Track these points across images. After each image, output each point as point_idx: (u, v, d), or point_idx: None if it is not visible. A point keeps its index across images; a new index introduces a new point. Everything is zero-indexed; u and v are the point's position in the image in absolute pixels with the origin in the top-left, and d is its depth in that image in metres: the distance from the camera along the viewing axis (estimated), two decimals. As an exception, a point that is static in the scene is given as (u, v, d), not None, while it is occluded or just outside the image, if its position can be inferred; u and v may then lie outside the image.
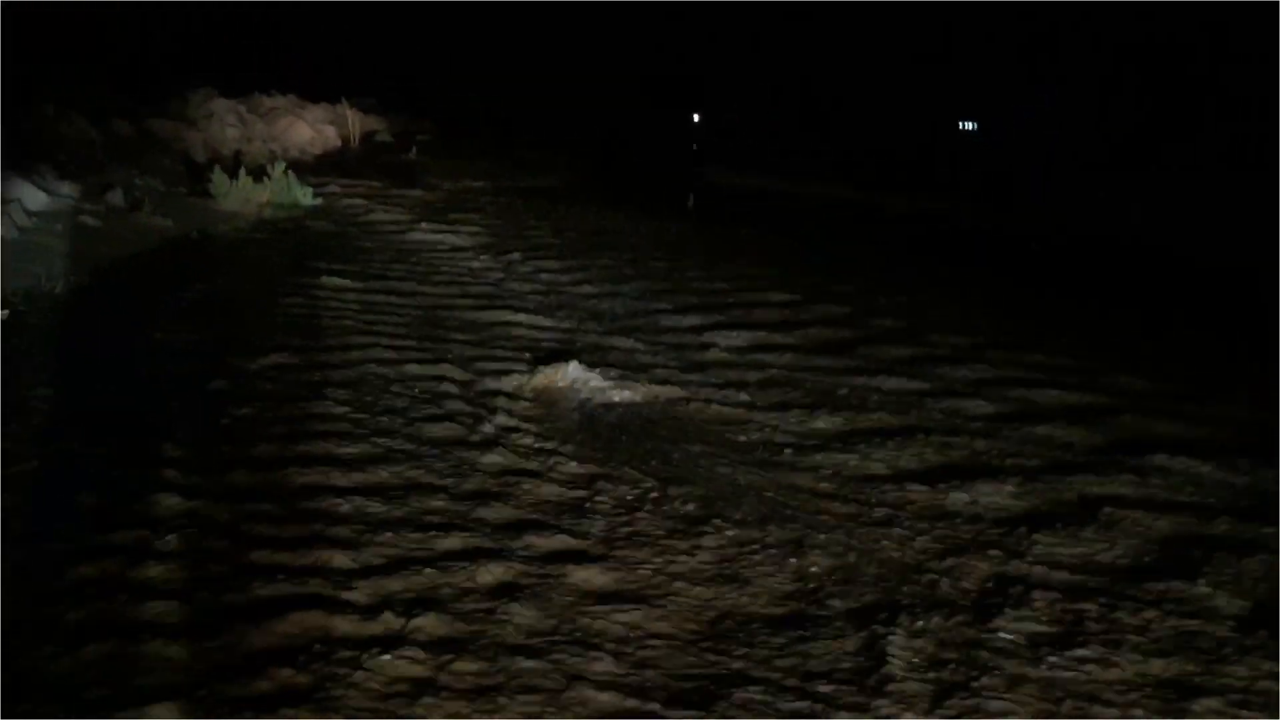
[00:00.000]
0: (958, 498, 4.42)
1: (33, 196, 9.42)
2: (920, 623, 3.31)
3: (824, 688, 2.95)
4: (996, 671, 3.06)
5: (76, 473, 4.12)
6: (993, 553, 3.89)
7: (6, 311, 6.37)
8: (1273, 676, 3.09)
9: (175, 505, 3.85)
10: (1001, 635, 3.27)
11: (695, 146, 30.32)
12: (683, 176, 21.35)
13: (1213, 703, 2.96)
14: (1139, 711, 2.91)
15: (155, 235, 9.82)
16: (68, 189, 10.13)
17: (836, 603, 3.45)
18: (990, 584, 3.64)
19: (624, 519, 4.05)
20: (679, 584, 3.53)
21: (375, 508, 3.98)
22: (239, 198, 12.21)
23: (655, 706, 2.81)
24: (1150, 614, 3.43)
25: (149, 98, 19.52)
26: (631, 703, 2.82)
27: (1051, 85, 27.56)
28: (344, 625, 3.09)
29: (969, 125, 32.65)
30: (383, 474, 4.33)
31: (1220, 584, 3.67)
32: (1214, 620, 3.42)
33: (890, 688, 2.94)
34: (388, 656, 2.92)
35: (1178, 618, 3.42)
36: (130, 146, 14.71)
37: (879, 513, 4.25)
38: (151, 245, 9.43)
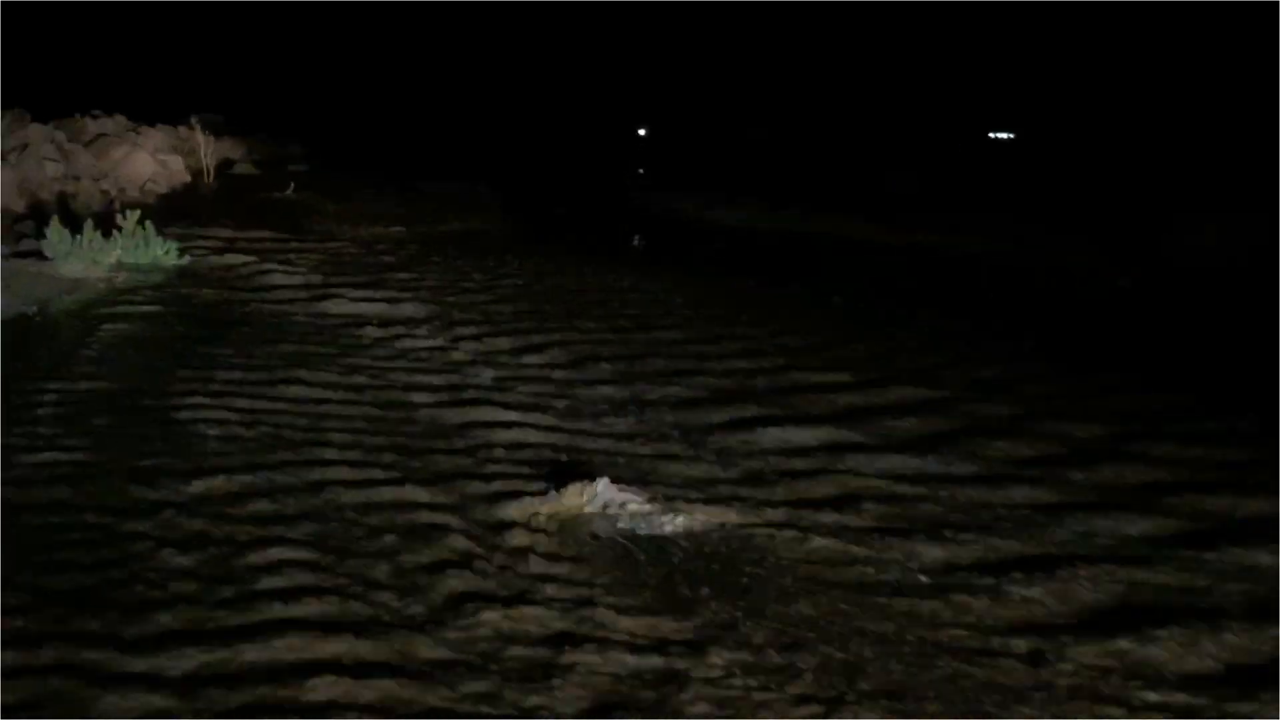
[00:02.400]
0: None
1: None
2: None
3: None
4: None
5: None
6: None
7: None
8: None
9: None
10: None
11: (641, 171, 30.65)
12: (639, 211, 21.52)
13: None
14: None
15: (-20, 315, 9.59)
16: None
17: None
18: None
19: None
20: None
21: None
22: (83, 259, 12.03)
23: None
24: None
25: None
26: None
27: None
28: None
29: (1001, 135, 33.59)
30: (370, 651, 4.18)
31: None
32: None
33: None
34: None
35: None
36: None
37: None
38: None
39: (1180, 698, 4.09)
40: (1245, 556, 5.40)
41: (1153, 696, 4.09)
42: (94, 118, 23.75)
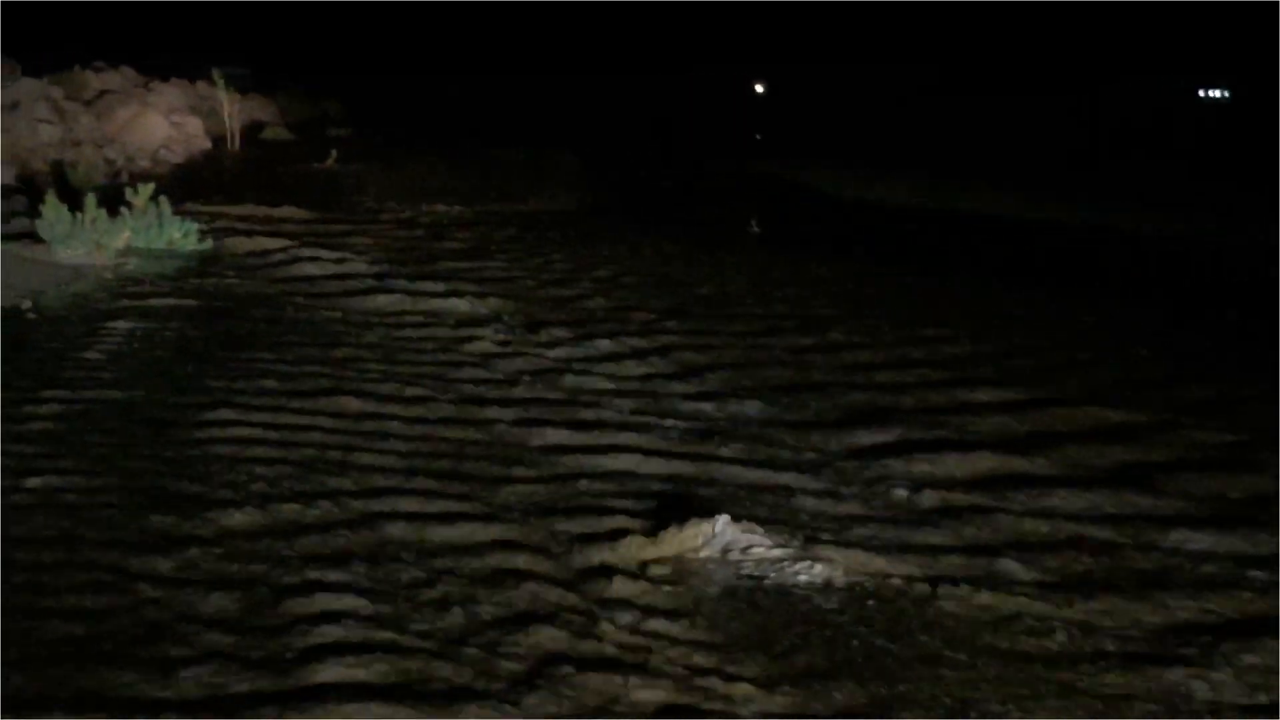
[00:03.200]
0: None
1: None
2: None
3: None
4: None
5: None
6: None
7: None
8: None
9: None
10: None
11: (759, 136, 30.54)
12: (759, 185, 21.42)
13: None
14: None
15: (-35, 309, 9.77)
16: None
17: None
18: None
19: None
20: None
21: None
22: (86, 243, 12.17)
23: None
24: None
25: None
26: None
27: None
28: None
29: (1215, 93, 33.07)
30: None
31: None
32: None
33: None
34: None
35: None
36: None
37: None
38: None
39: None
40: None
41: None
42: (97, 71, 24.15)
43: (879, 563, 5.68)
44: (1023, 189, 20.57)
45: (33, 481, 6.26)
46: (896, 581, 5.52)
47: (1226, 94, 33.04)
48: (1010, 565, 5.74)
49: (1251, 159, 23.90)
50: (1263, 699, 4.63)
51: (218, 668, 4.49)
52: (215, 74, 24.53)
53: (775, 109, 34.14)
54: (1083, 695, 4.62)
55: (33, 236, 12.33)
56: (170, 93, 24.32)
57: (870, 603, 5.33)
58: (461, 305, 10.86)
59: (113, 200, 12.84)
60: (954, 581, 5.52)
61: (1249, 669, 4.84)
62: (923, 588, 5.46)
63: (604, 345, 9.60)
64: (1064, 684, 4.70)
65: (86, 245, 12.15)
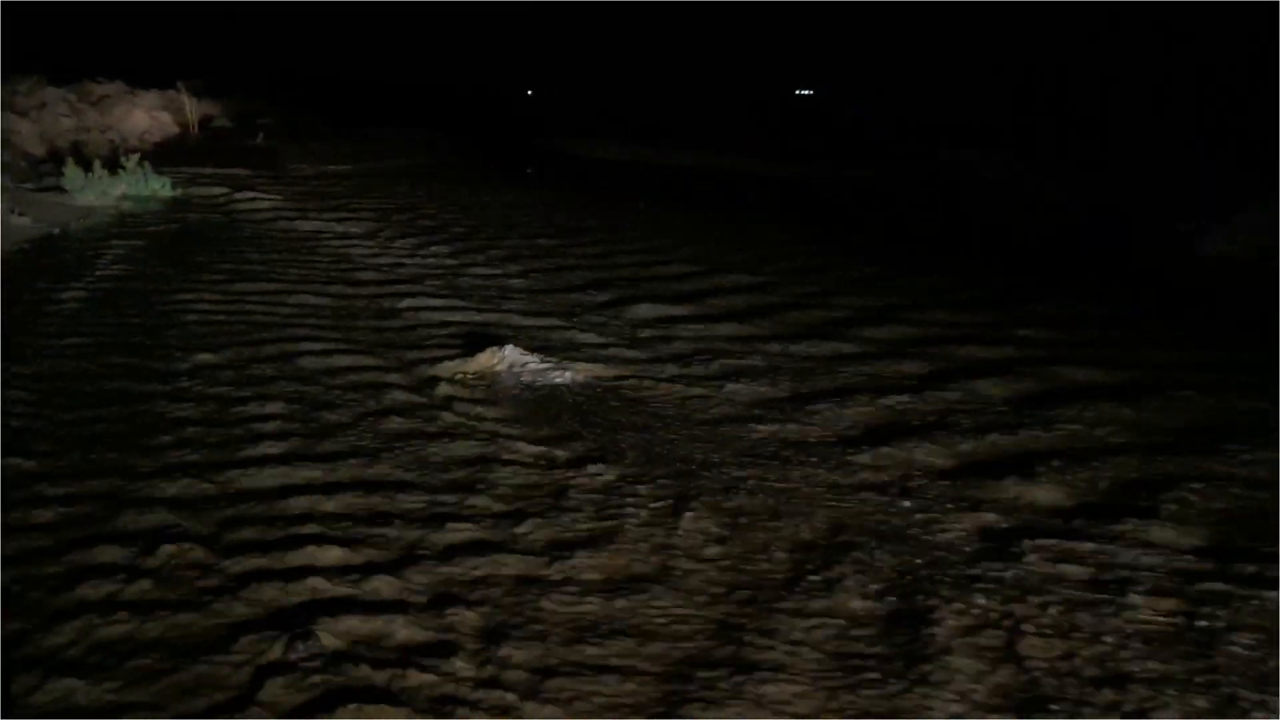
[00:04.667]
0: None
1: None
2: None
3: None
4: None
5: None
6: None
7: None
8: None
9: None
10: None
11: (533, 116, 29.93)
12: (534, 150, 21.09)
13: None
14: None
15: (16, 235, 9.10)
16: (-86, 188, 9.29)
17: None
18: None
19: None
20: (689, 561, 3.47)
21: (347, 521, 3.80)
22: (95, 191, 11.47)
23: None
24: None
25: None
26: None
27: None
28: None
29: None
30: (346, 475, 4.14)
31: None
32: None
33: None
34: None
35: None
36: (-37, 141, 13.55)
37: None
38: (17, 246, 8.73)
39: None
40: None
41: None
42: (99, 82, 22.45)
43: (603, 369, 5.74)
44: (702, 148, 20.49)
45: (65, 340, 5.96)
46: (610, 379, 5.59)
47: (810, 92, 33.54)
48: (676, 368, 5.84)
49: (830, 133, 24.48)
50: (796, 431, 4.80)
51: (189, 450, 4.37)
52: (180, 84, 23.18)
53: (544, 107, 33.38)
54: (725, 440, 4.76)
55: (59, 188, 11.56)
56: (149, 97, 22.71)
57: (598, 391, 5.40)
58: (348, 226, 10.50)
59: (112, 165, 12.05)
60: (646, 379, 5.63)
61: (800, 421, 5.02)
62: (630, 382, 5.55)
63: (436, 248, 9.40)
64: (712, 433, 4.84)
65: (95, 193, 11.44)
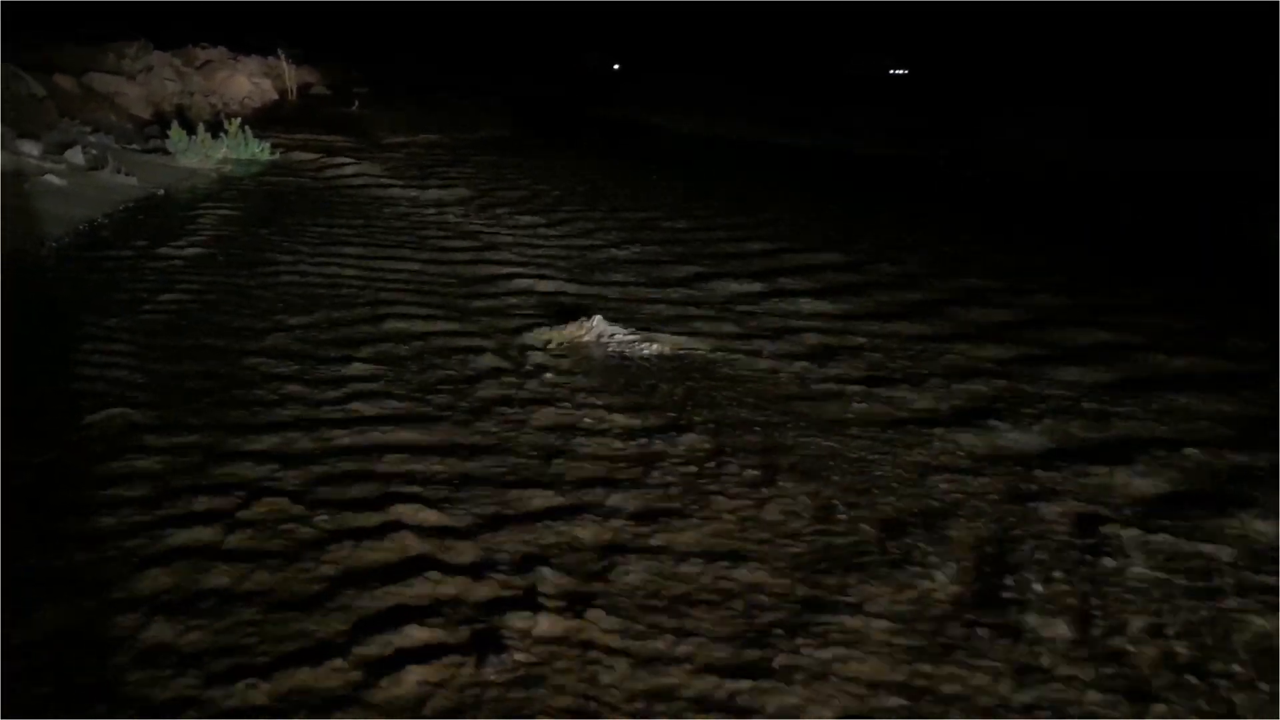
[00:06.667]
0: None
1: (-4, 157, 8.94)
2: None
3: None
4: None
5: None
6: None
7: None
8: None
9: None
10: None
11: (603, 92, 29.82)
12: (617, 122, 21.06)
13: None
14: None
15: (122, 194, 9.39)
16: (28, 148, 9.61)
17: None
18: None
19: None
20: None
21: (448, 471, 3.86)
22: (197, 154, 11.76)
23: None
24: None
25: (79, 49, 18.59)
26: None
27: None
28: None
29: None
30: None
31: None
32: None
33: None
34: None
35: None
36: (75, 102, 13.99)
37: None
38: (123, 205, 9.01)
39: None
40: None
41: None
42: (202, 48, 22.99)
43: (691, 342, 5.73)
44: (771, 124, 20.30)
45: (166, 297, 6.13)
46: (700, 352, 5.58)
47: (905, 71, 32.97)
48: (766, 344, 5.80)
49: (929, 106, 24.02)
50: (873, 410, 4.74)
51: (289, 406, 4.47)
52: (280, 52, 23.66)
53: (627, 80, 33.29)
54: (802, 414, 4.72)
55: (164, 151, 11.89)
56: (250, 63, 23.21)
57: (686, 363, 5.39)
58: (438, 194, 10.62)
59: (214, 129, 12.36)
60: (733, 352, 5.60)
61: (879, 398, 4.95)
62: (716, 355, 5.54)
63: (524, 218, 9.45)
64: (802, 409, 4.81)
65: (198, 156, 11.73)
